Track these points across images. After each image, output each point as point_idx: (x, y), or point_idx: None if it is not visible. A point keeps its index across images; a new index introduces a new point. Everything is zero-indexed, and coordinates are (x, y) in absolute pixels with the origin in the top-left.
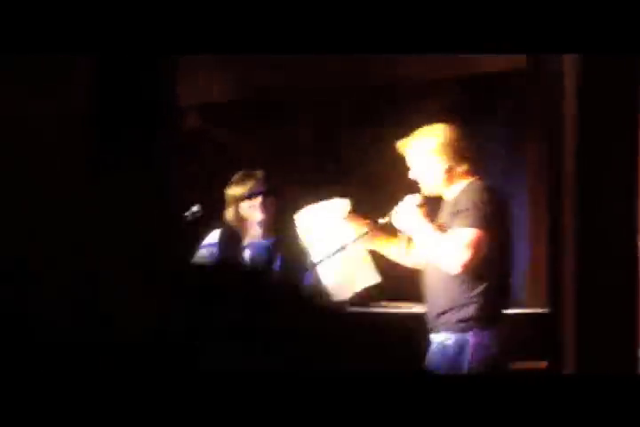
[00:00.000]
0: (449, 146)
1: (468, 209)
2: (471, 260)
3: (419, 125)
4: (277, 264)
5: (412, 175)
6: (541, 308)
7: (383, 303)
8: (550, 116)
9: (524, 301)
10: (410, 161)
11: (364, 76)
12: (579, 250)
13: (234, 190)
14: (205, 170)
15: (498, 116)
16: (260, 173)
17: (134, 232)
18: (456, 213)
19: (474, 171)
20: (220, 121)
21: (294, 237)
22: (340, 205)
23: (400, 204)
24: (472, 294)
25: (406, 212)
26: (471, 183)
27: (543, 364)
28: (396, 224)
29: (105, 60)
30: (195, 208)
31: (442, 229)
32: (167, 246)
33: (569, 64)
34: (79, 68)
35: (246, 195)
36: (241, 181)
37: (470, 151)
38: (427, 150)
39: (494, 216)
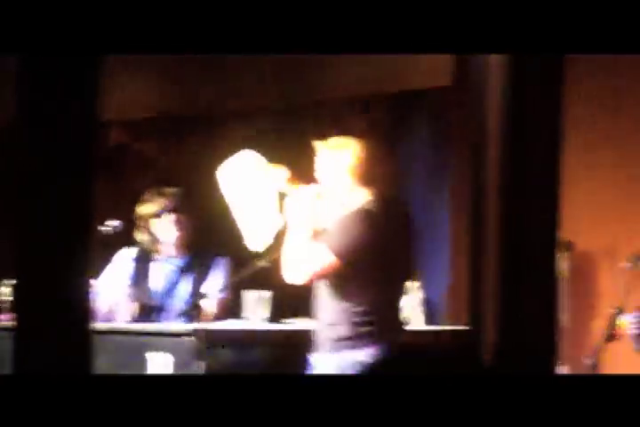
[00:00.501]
0: (356, 165)
1: (337, 229)
2: (310, 276)
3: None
4: (189, 281)
5: (317, 175)
6: (464, 324)
7: (292, 320)
8: (474, 131)
9: (445, 317)
10: (318, 165)
11: (287, 92)
12: (501, 264)
13: (145, 209)
14: (129, 185)
15: (423, 132)
16: (171, 191)
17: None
18: (329, 229)
19: (368, 192)
20: (144, 136)
21: (206, 252)
22: (251, 156)
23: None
24: (346, 314)
25: (296, 200)
26: (350, 209)
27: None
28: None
29: (27, 70)
30: (115, 223)
31: (316, 236)
32: (79, 259)
33: (493, 80)
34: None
35: (158, 212)
36: (152, 199)
37: (373, 174)
38: (335, 163)
39: (363, 242)
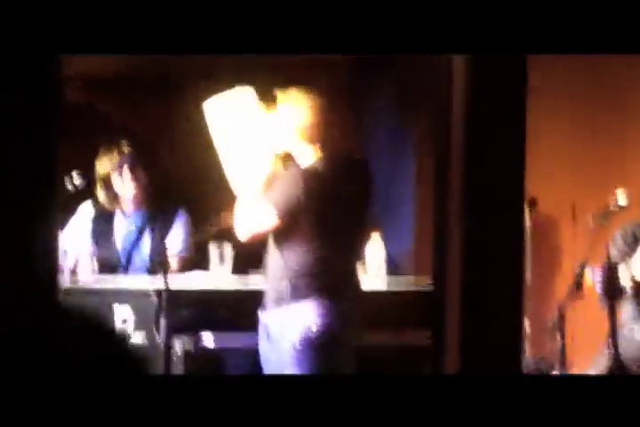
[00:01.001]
0: (306, 123)
1: (279, 188)
2: (254, 237)
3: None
4: (153, 234)
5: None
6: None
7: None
8: (438, 114)
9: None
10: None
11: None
12: (466, 220)
13: (102, 167)
14: (90, 143)
15: (387, 92)
16: (126, 147)
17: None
18: (274, 188)
19: (318, 150)
20: (105, 95)
21: (166, 206)
22: (245, 91)
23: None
24: (289, 269)
25: (254, 162)
26: (296, 167)
27: (427, 340)
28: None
29: None
30: (77, 181)
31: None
32: (46, 214)
33: (458, 64)
34: None
35: (115, 169)
36: (108, 157)
37: (327, 132)
38: (286, 120)
39: (304, 198)
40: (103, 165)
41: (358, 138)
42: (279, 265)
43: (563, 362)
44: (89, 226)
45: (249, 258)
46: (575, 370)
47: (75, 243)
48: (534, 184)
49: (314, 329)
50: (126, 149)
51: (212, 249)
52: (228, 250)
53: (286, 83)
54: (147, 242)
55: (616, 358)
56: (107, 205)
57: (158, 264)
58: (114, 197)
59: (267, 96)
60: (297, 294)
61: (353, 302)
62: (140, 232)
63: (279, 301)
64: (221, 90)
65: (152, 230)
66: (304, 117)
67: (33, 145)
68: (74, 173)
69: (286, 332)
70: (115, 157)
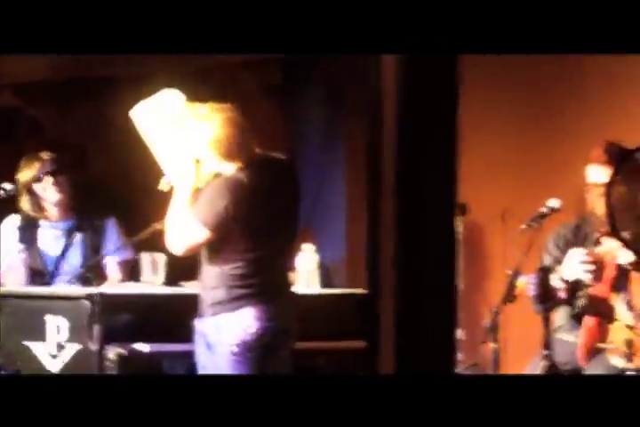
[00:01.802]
0: (219, 139)
1: (202, 201)
2: (187, 250)
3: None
4: (80, 242)
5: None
6: (361, 288)
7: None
8: (370, 114)
9: (342, 280)
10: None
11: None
12: (399, 228)
13: (24, 175)
14: (19, 149)
15: (315, 95)
16: (46, 154)
17: None
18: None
19: (238, 160)
20: (35, 100)
21: (94, 214)
22: (172, 96)
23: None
24: (222, 277)
25: (180, 171)
26: (220, 176)
27: (361, 344)
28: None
29: None
30: (8, 187)
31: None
32: None
33: (388, 64)
34: None
35: (37, 177)
36: (28, 165)
37: (246, 140)
38: (198, 135)
39: (231, 210)
40: (24, 172)
41: (286, 142)
42: (214, 274)
43: (496, 368)
44: (14, 236)
45: (181, 268)
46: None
47: (2, 251)
48: (465, 190)
49: (251, 332)
50: (47, 156)
51: (145, 259)
52: (162, 260)
53: (211, 89)
54: (75, 249)
55: (550, 363)
56: (31, 213)
57: (91, 271)
58: (38, 204)
59: (190, 103)
60: (233, 301)
61: (287, 305)
62: (68, 239)
63: (216, 309)
64: (148, 94)
65: (80, 237)
66: (221, 130)
67: None
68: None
69: (224, 337)
70: (36, 164)
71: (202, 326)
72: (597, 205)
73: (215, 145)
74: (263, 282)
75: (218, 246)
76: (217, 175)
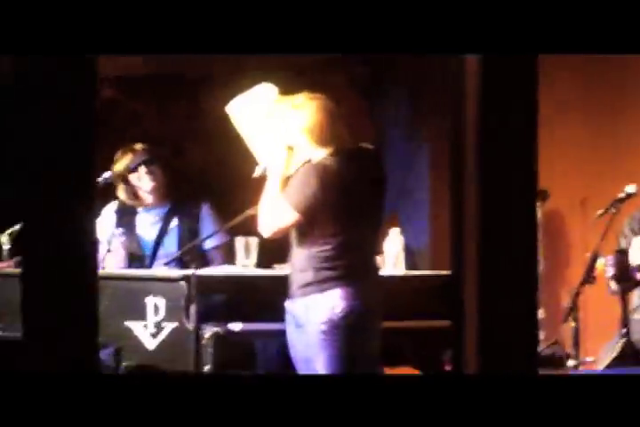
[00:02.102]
0: (313, 125)
1: (294, 185)
2: (276, 233)
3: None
4: (176, 227)
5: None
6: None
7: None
8: (452, 113)
9: (426, 264)
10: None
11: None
12: (481, 214)
13: (119, 166)
14: (118, 141)
15: (402, 91)
16: (139, 146)
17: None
18: (289, 185)
19: (328, 148)
20: (134, 93)
21: (189, 200)
22: (267, 89)
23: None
24: (312, 260)
25: (273, 159)
26: (309, 163)
27: (447, 323)
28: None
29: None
30: (106, 175)
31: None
32: (84, 208)
33: (470, 63)
34: None
35: (131, 167)
36: (123, 157)
37: (338, 130)
38: (294, 122)
39: (320, 195)
40: (120, 163)
41: (373, 135)
42: (303, 257)
43: (576, 346)
44: (113, 222)
45: (273, 252)
46: (588, 354)
47: (103, 235)
48: (546, 178)
49: (338, 312)
50: (140, 147)
51: (239, 243)
52: (254, 244)
53: (303, 84)
54: (172, 233)
55: (627, 342)
56: (127, 201)
57: (191, 255)
58: (134, 193)
59: (284, 97)
60: (321, 282)
61: (373, 286)
62: (164, 224)
63: (305, 290)
64: (244, 89)
65: (176, 222)
66: (313, 118)
67: (73, 142)
68: (103, 172)
69: (313, 317)
70: (130, 155)
71: (292, 306)
72: None
73: (309, 131)
74: (350, 264)
75: (307, 230)
76: (308, 162)
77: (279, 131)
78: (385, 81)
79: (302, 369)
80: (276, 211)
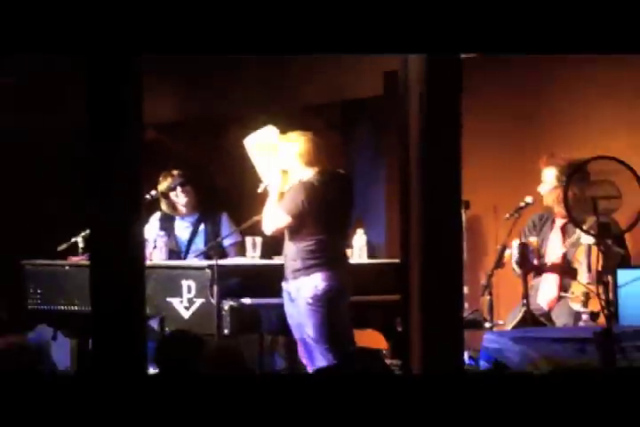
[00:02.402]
0: (301, 152)
1: (287, 197)
2: (274, 232)
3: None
4: (202, 230)
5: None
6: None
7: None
8: (401, 127)
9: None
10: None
11: (271, 103)
12: (422, 220)
13: (161, 186)
14: (160, 168)
15: (366, 129)
16: (176, 172)
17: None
18: (285, 197)
19: (313, 169)
20: (173, 131)
21: (212, 211)
22: (271, 130)
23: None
24: (300, 252)
25: (272, 179)
26: (299, 181)
27: (397, 297)
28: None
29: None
30: (153, 193)
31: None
32: (135, 216)
33: (412, 90)
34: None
35: (171, 187)
36: (164, 180)
37: (320, 157)
38: (288, 151)
39: (307, 204)
40: (162, 184)
41: (344, 159)
42: (293, 250)
43: (491, 313)
44: (157, 227)
45: (273, 247)
46: (499, 319)
47: (149, 237)
48: (467, 191)
49: (320, 290)
50: (176, 172)
51: (248, 241)
52: (259, 242)
53: (293, 126)
54: (199, 235)
55: (528, 312)
56: (167, 212)
57: (214, 250)
58: (172, 206)
59: (282, 135)
60: (307, 268)
61: (345, 271)
62: (194, 230)
63: (295, 274)
64: (253, 130)
65: (203, 227)
66: (303, 148)
67: (126, 170)
68: (150, 191)
69: (301, 293)
70: (169, 178)
71: (287, 286)
72: (549, 200)
73: (300, 156)
74: (328, 255)
75: (296, 230)
76: (298, 181)
77: (277, 159)
78: (354, 121)
79: (296, 331)
80: (274, 216)
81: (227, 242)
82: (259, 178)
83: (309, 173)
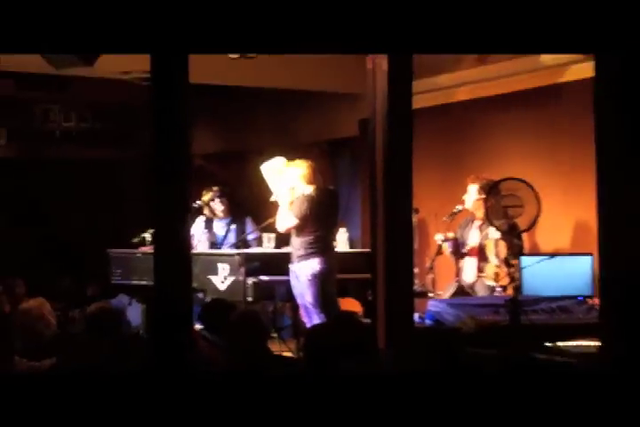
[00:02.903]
0: (304, 174)
1: (295, 205)
2: (285, 230)
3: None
4: (233, 229)
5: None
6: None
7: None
8: (370, 158)
9: (359, 245)
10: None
11: (280, 138)
12: (386, 224)
13: (205, 198)
14: (202, 185)
15: (347, 160)
16: (215, 188)
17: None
18: (293, 205)
19: (313, 187)
20: (209, 161)
21: (240, 215)
22: (280, 160)
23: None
24: (302, 243)
25: (281, 193)
26: (303, 194)
27: (368, 276)
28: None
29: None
30: (198, 202)
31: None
32: (184, 220)
33: (378, 133)
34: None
35: (212, 198)
36: (207, 193)
37: (316, 178)
38: (295, 173)
39: (308, 210)
40: (205, 196)
41: (332, 180)
42: (298, 242)
43: (433, 287)
44: (201, 226)
45: (282, 240)
46: (439, 291)
47: (196, 233)
48: (417, 200)
49: (316, 269)
50: (215, 188)
51: (265, 236)
52: (273, 237)
53: (294, 156)
54: (231, 233)
55: (459, 286)
56: (208, 216)
57: (241, 243)
58: (212, 212)
59: (288, 162)
60: (307, 255)
61: (333, 257)
62: (227, 228)
63: (299, 259)
64: (268, 159)
65: (233, 227)
66: (305, 171)
67: (178, 186)
68: (194, 202)
69: (303, 272)
70: (210, 192)
71: (293, 267)
72: (474, 208)
73: (303, 177)
74: (321, 246)
75: (300, 228)
76: (302, 194)
77: (284, 179)
78: (338, 154)
79: (299, 299)
80: (286, 219)
81: (250, 237)
82: (270, 192)
83: (309, 189)
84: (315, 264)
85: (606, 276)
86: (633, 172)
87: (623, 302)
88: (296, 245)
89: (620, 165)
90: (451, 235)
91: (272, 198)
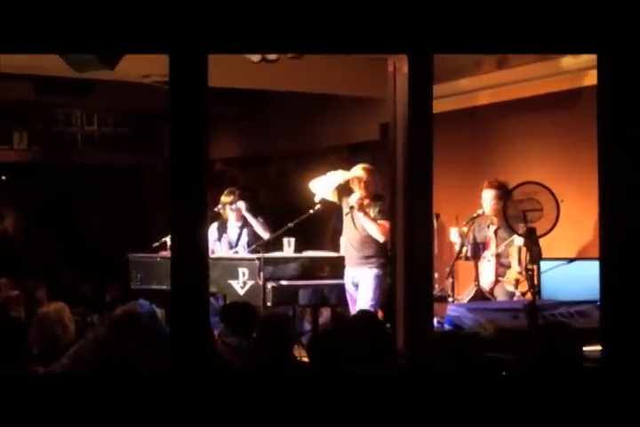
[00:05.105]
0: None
1: (381, 211)
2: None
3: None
4: (245, 232)
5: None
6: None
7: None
8: (391, 164)
9: None
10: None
11: (302, 143)
12: (407, 228)
13: (224, 200)
14: (224, 188)
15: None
16: (236, 191)
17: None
18: (377, 211)
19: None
20: (231, 166)
21: (252, 220)
22: (337, 174)
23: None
24: (370, 252)
25: (352, 200)
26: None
27: None
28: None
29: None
30: (219, 206)
31: (367, 214)
32: (203, 224)
33: (399, 137)
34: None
35: (232, 201)
36: (227, 196)
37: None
38: (360, 180)
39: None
40: (225, 199)
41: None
42: (376, 247)
43: (453, 291)
44: (215, 232)
45: (303, 244)
46: (458, 295)
47: (213, 235)
48: (437, 205)
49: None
50: (236, 191)
51: (285, 240)
52: (293, 241)
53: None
54: (245, 235)
55: (478, 290)
56: (224, 218)
57: (257, 245)
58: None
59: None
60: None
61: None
62: (241, 232)
63: (376, 263)
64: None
65: (248, 230)
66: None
67: (194, 195)
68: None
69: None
70: (231, 195)
71: (365, 272)
72: (493, 213)
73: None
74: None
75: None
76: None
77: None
78: (358, 157)
79: (359, 303)
80: (379, 228)
81: (261, 232)
82: (290, 196)
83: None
84: (382, 268)
85: (607, 282)
86: (633, 172)
87: (625, 308)
88: (376, 252)
89: (620, 166)
90: (465, 229)
91: (313, 209)
